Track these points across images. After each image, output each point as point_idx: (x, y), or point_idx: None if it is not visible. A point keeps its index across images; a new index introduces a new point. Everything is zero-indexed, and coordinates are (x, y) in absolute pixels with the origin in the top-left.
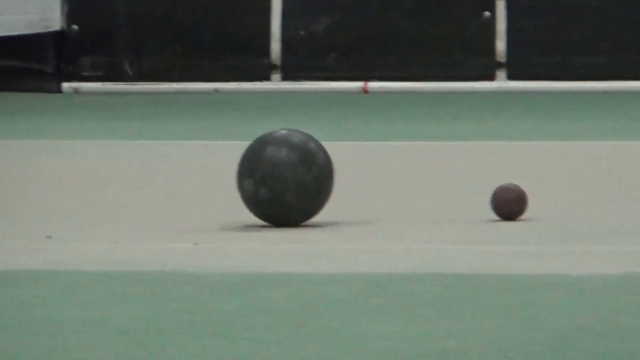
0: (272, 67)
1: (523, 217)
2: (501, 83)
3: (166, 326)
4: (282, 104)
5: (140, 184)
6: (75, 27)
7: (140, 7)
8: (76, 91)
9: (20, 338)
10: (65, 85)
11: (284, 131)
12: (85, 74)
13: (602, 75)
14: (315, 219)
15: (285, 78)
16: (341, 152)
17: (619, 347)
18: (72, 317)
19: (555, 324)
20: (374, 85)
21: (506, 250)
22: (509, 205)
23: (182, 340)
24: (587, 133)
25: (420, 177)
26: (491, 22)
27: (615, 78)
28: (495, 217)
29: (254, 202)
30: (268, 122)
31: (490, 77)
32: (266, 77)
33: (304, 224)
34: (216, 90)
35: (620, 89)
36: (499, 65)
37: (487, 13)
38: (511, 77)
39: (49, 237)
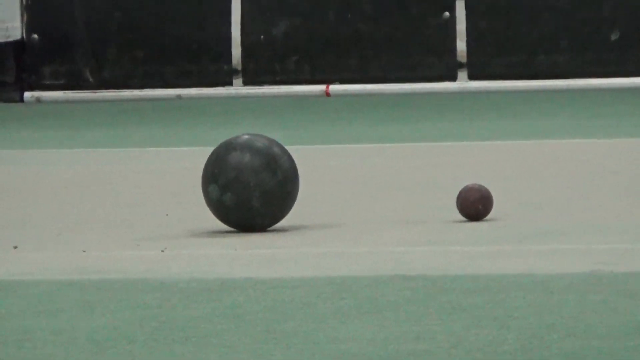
0: (234, 72)
1: (489, 217)
2: (462, 83)
3: (135, 334)
4: (245, 109)
5: (104, 192)
6: (35, 36)
7: (100, 15)
8: (38, 100)
9: None
10: (27, 95)
11: (248, 136)
12: (47, 82)
13: (562, 73)
14: (281, 223)
15: (246, 83)
16: (305, 155)
17: (588, 345)
18: (40, 327)
19: (523, 324)
20: (335, 88)
21: (472, 250)
22: (474, 205)
23: (151, 348)
24: (549, 131)
25: (384, 179)
26: (451, 23)
27: (575, 76)
28: (461, 217)
29: (219, 208)
30: (231, 128)
31: (452, 78)
32: (228, 83)
33: (269, 228)
34: (179, 97)
35: (580, 86)
36: (460, 65)
37: (446, 14)
38: (472, 77)
39: (15, 247)
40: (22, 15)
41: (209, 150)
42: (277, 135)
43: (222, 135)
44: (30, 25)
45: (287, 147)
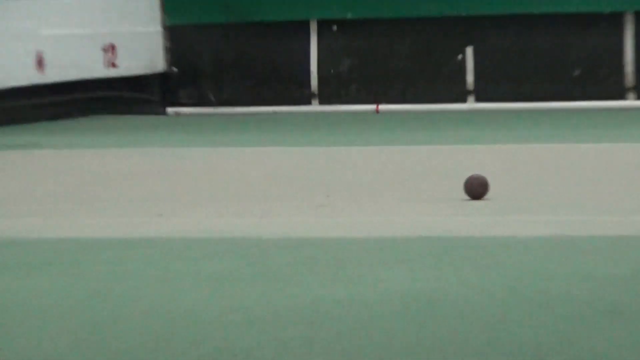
0: (312, 95)
1: (486, 197)
2: (471, 105)
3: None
4: (320, 121)
5: (223, 176)
6: (174, 68)
7: (221, 54)
8: (177, 114)
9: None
10: (169, 110)
11: None
12: (182, 101)
13: (546, 97)
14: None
15: (321, 103)
16: (360, 154)
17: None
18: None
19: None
20: (383, 107)
21: (475, 220)
22: (477, 188)
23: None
24: (537, 138)
25: (414, 170)
26: (463, 62)
27: (552, 99)
28: (466, 197)
29: None
30: (310, 135)
31: (463, 101)
32: (308, 102)
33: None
34: (274, 112)
35: (554, 108)
36: (469, 92)
37: (460, 56)
38: (478, 100)
39: (160, 215)
40: (164, 54)
41: (294, 150)
42: (340, 139)
43: (305, 139)
44: (170, 60)
45: (346, 149)
